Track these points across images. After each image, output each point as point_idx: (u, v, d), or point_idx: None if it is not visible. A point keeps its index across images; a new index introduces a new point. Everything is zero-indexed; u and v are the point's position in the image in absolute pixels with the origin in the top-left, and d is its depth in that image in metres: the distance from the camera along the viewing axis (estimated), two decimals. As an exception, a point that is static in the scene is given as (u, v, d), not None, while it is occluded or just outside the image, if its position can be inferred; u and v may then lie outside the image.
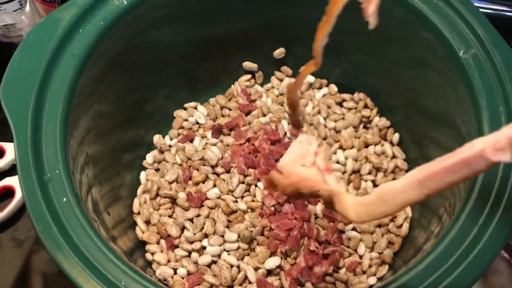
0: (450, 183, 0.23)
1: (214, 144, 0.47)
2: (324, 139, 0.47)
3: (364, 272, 0.42)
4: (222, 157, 0.46)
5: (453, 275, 0.29)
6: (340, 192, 0.27)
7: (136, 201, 0.45)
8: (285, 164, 0.29)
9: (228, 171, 0.46)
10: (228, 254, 0.41)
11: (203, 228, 0.42)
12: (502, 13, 0.54)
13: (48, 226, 0.30)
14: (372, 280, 0.41)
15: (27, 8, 0.55)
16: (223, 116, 0.51)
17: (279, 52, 0.51)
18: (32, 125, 0.33)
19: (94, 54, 0.38)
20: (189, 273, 0.41)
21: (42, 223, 0.30)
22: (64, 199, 0.32)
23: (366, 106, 0.50)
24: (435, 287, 0.29)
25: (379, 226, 0.44)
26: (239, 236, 0.41)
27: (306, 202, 0.44)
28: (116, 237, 0.37)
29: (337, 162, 0.46)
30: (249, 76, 0.53)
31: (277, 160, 0.45)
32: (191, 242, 0.42)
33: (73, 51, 0.37)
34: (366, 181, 0.45)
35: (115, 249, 0.31)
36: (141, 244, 0.44)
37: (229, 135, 0.49)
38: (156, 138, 0.49)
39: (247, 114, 0.50)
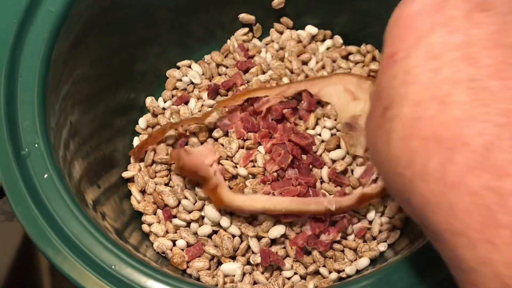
0: (302, 209, 0.37)
1: (211, 106, 0.44)
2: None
3: (374, 238, 0.39)
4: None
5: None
6: (223, 184, 0.38)
7: (129, 169, 0.43)
8: (194, 151, 0.40)
9: (226, 134, 0.43)
10: (230, 224, 0.39)
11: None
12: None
13: (27, 207, 0.27)
14: (383, 247, 0.39)
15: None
16: (219, 74, 0.47)
17: (278, 1, 0.47)
18: (5, 94, 0.30)
19: (72, 11, 0.35)
20: (188, 245, 0.39)
21: (21, 204, 0.27)
22: (45, 176, 0.29)
23: (374, 59, 0.46)
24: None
25: (389, 188, 0.41)
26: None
27: (311, 166, 0.41)
28: (106, 213, 0.35)
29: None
30: (246, 29, 0.48)
31: (277, 121, 0.42)
32: (190, 212, 0.39)
33: (48, 9, 0.33)
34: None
35: (104, 228, 0.29)
36: (137, 215, 0.41)
37: (226, 95, 0.45)
38: (149, 100, 0.46)
39: (246, 71, 0.47)
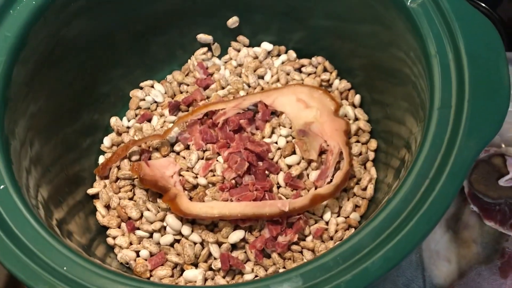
0: (257, 213, 0.39)
1: (173, 122, 0.46)
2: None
3: (331, 238, 0.41)
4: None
5: (406, 228, 0.28)
6: (182, 194, 0.40)
7: (95, 186, 0.44)
8: (153, 163, 0.43)
9: (187, 148, 0.45)
10: (191, 231, 0.40)
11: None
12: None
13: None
14: (339, 245, 0.40)
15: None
16: (181, 92, 0.49)
17: (233, 21, 0.49)
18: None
19: (29, 37, 0.37)
20: (151, 254, 0.40)
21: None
22: (1, 187, 0.30)
23: (325, 70, 0.48)
24: (391, 240, 0.28)
25: (344, 190, 0.43)
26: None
27: (267, 172, 0.42)
28: (72, 231, 0.36)
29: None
30: (205, 49, 0.51)
31: (234, 131, 0.44)
32: (152, 223, 0.41)
33: (4, 34, 0.35)
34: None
35: (59, 236, 0.30)
36: (103, 230, 0.42)
37: (187, 111, 0.47)
38: (113, 120, 0.48)
39: (206, 88, 0.49)
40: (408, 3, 0.35)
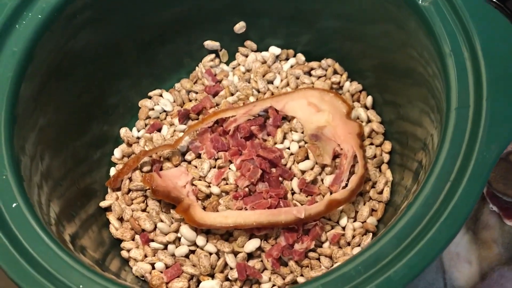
0: (272, 221, 0.38)
1: (183, 131, 0.46)
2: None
3: (348, 244, 0.40)
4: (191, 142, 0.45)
5: (429, 234, 0.27)
6: (195, 204, 0.40)
7: (107, 198, 0.44)
8: (165, 174, 0.42)
9: (198, 156, 0.44)
10: (206, 242, 0.40)
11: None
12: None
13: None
14: (357, 251, 0.39)
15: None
16: (190, 100, 0.49)
17: (240, 27, 0.49)
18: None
19: (36, 51, 0.36)
20: (167, 266, 0.40)
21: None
22: (14, 205, 0.30)
23: (335, 72, 0.48)
24: (414, 247, 0.27)
25: (360, 194, 0.42)
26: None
27: (281, 178, 0.42)
28: (85, 246, 0.35)
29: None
30: (212, 55, 0.50)
31: (245, 138, 0.43)
32: (166, 234, 0.40)
33: (11, 49, 0.35)
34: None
35: (73, 252, 0.30)
36: (117, 242, 0.42)
37: (197, 119, 0.47)
38: (123, 131, 0.47)
39: (215, 95, 0.48)
40: (420, 2, 0.34)
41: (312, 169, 0.42)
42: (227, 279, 0.39)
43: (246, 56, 0.50)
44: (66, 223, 0.37)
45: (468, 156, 0.29)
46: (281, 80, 0.48)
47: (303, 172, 0.42)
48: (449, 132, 0.30)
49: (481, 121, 0.29)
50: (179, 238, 0.40)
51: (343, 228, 0.41)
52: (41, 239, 0.29)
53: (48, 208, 0.35)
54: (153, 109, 0.48)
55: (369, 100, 0.46)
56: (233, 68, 0.50)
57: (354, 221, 0.41)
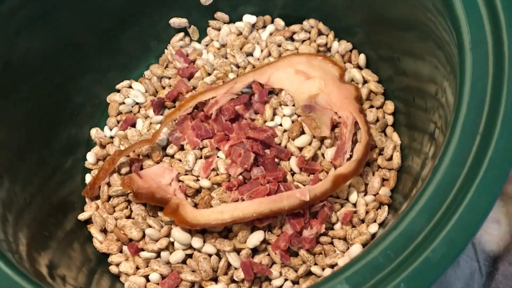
0: (274, 208, 0.33)
1: (160, 122, 0.40)
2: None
3: (362, 221, 0.36)
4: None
5: (466, 199, 0.22)
6: (185, 202, 0.35)
7: (86, 209, 0.39)
8: (146, 173, 0.37)
9: (181, 148, 0.39)
10: (203, 243, 0.35)
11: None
12: None
13: None
14: (374, 228, 0.35)
15: None
16: (163, 87, 0.44)
17: (206, -3, 0.43)
18: None
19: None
20: (163, 277, 0.35)
21: None
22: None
23: (320, 33, 0.43)
24: (450, 217, 0.22)
25: (368, 164, 0.37)
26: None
27: (277, 159, 0.37)
28: (65, 274, 0.31)
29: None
30: (181, 34, 0.45)
31: (231, 120, 0.38)
32: (157, 240, 0.35)
33: None
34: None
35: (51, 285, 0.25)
36: (103, 257, 0.37)
37: (173, 107, 0.42)
38: (94, 132, 0.42)
39: (190, 78, 0.43)
40: None
41: (310, 144, 0.37)
42: (233, 281, 0.34)
43: (219, 29, 0.45)
44: (41, 250, 0.33)
45: (496, 101, 0.24)
46: (262, 51, 0.43)
47: (300, 149, 0.37)
48: (467, 78, 0.25)
49: (504, 57, 0.25)
50: (172, 243, 0.36)
51: (354, 205, 0.36)
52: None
53: (17, 240, 0.30)
54: (123, 103, 0.43)
55: (362, 58, 0.41)
56: (206, 45, 0.45)
57: (365, 195, 0.37)
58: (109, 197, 0.38)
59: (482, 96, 0.24)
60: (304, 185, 0.36)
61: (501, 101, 0.24)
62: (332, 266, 0.34)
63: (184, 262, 0.35)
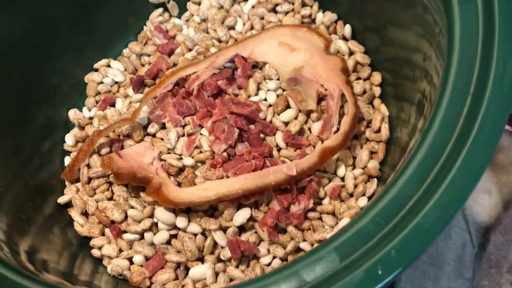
0: (260, 184, 0.32)
1: (139, 101, 0.39)
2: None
3: (351, 195, 0.35)
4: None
5: (458, 161, 0.21)
6: (168, 181, 0.33)
7: (65, 193, 0.37)
8: (127, 153, 0.35)
9: (163, 127, 0.38)
10: (188, 222, 0.34)
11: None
12: None
13: None
14: (363, 202, 0.34)
15: None
16: (143, 65, 0.42)
17: (185, -30, 0.42)
18: None
19: None
20: (147, 258, 0.34)
21: None
22: None
23: (304, 4, 0.41)
24: (442, 181, 0.21)
25: (355, 137, 0.36)
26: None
27: (262, 135, 0.36)
28: (46, 259, 0.29)
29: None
30: (160, 10, 0.44)
31: (214, 96, 0.37)
32: (140, 221, 0.34)
33: None
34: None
35: (34, 272, 0.24)
36: (86, 241, 0.36)
37: (154, 84, 0.40)
38: (72, 113, 0.41)
39: (170, 54, 0.42)
40: None
41: (296, 118, 0.36)
42: (219, 260, 0.33)
43: (199, 3, 0.44)
44: (20, 236, 0.32)
45: (487, 58, 0.23)
46: (244, 24, 0.41)
47: (286, 123, 0.36)
48: (456, 36, 0.24)
49: (494, 12, 0.24)
50: (156, 224, 0.34)
51: (342, 179, 0.35)
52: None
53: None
54: (102, 82, 0.42)
55: (347, 29, 0.40)
56: (187, 20, 0.44)
57: (354, 169, 0.36)
58: (90, 179, 0.37)
59: (472, 56, 0.23)
60: (291, 160, 0.35)
61: (492, 57, 0.23)
62: (321, 242, 0.33)
63: (168, 242, 0.34)
